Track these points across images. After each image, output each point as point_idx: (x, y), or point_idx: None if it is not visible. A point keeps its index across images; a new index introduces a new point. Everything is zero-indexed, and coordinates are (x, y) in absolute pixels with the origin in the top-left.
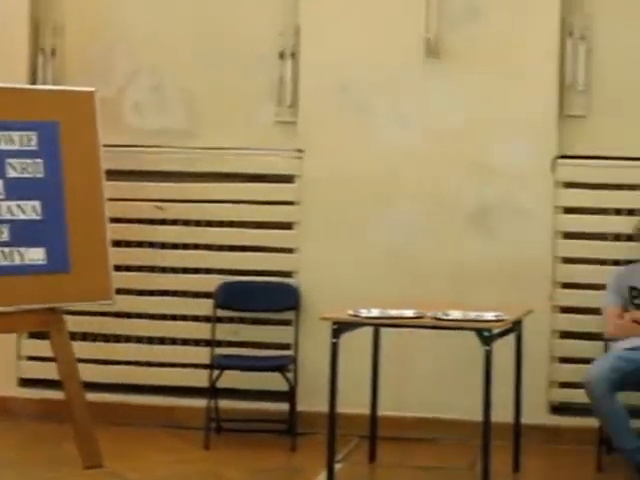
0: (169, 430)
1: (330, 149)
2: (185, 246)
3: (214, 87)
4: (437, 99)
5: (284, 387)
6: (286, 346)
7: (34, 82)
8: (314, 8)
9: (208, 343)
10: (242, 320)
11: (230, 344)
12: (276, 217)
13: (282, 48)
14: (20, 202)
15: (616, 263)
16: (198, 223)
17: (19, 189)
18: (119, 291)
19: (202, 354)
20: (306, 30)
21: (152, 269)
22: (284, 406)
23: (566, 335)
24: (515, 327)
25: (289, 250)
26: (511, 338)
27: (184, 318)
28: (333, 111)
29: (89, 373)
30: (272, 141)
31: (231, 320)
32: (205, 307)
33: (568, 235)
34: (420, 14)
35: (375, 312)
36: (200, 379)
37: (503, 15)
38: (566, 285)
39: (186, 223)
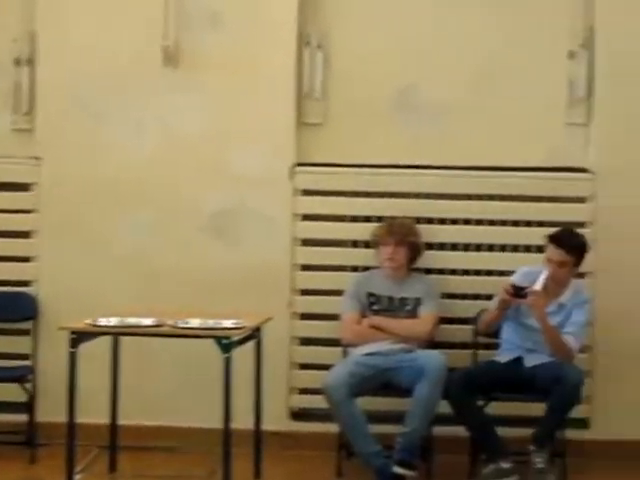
0: None
1: (68, 156)
2: None
3: None
4: (176, 106)
5: (23, 398)
6: (25, 356)
7: None
8: (51, 14)
9: None
10: None
11: None
12: (13, 225)
13: (18, 54)
14: None
15: (354, 270)
16: None
17: None
18: None
19: None
20: (42, 36)
21: None
22: (23, 417)
23: (305, 342)
24: (254, 334)
25: (27, 259)
26: (251, 345)
27: None
28: (71, 118)
29: None
30: (8, 149)
31: None
32: None
33: (306, 242)
34: (158, 21)
35: (113, 321)
36: None
37: (242, 24)
38: (305, 292)
39: None
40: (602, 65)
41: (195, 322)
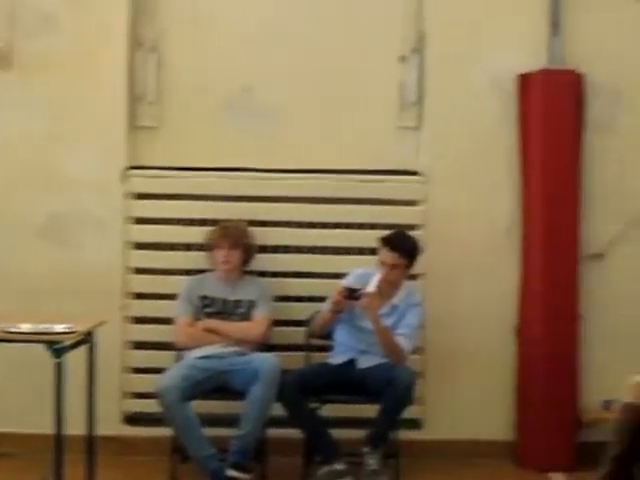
0: None
1: None
2: None
3: None
4: (7, 108)
5: None
6: None
7: None
8: None
9: None
10: None
11: None
12: None
13: None
14: None
15: (188, 273)
16: None
17: None
18: None
19: None
20: None
21: None
22: None
23: (139, 345)
24: (87, 338)
25: None
26: (83, 350)
27: None
28: None
29: None
30: None
31: None
32: None
33: (139, 245)
34: None
35: None
36: None
37: (75, 26)
38: (138, 295)
39: None
40: (432, 70)
41: (26, 327)
